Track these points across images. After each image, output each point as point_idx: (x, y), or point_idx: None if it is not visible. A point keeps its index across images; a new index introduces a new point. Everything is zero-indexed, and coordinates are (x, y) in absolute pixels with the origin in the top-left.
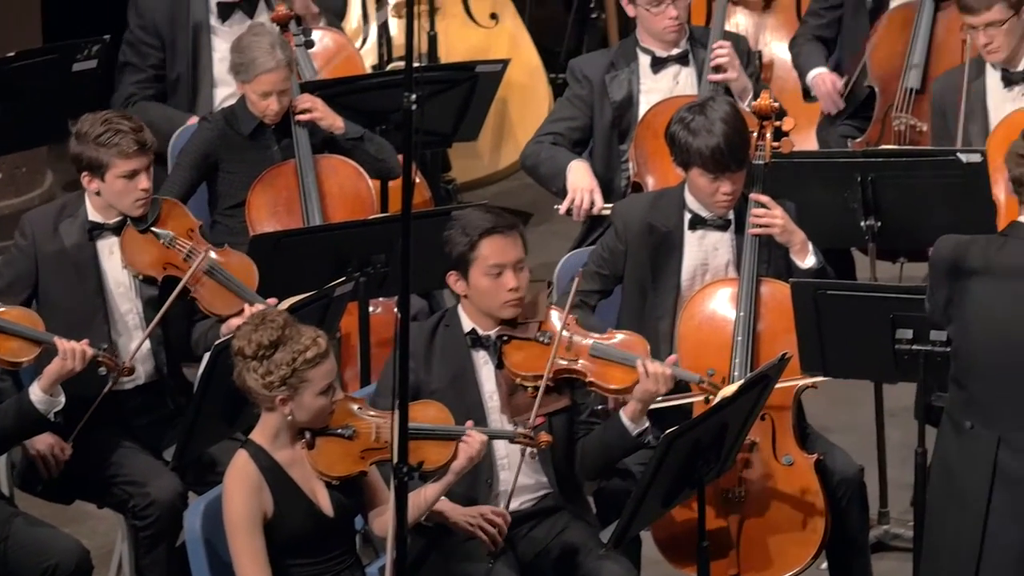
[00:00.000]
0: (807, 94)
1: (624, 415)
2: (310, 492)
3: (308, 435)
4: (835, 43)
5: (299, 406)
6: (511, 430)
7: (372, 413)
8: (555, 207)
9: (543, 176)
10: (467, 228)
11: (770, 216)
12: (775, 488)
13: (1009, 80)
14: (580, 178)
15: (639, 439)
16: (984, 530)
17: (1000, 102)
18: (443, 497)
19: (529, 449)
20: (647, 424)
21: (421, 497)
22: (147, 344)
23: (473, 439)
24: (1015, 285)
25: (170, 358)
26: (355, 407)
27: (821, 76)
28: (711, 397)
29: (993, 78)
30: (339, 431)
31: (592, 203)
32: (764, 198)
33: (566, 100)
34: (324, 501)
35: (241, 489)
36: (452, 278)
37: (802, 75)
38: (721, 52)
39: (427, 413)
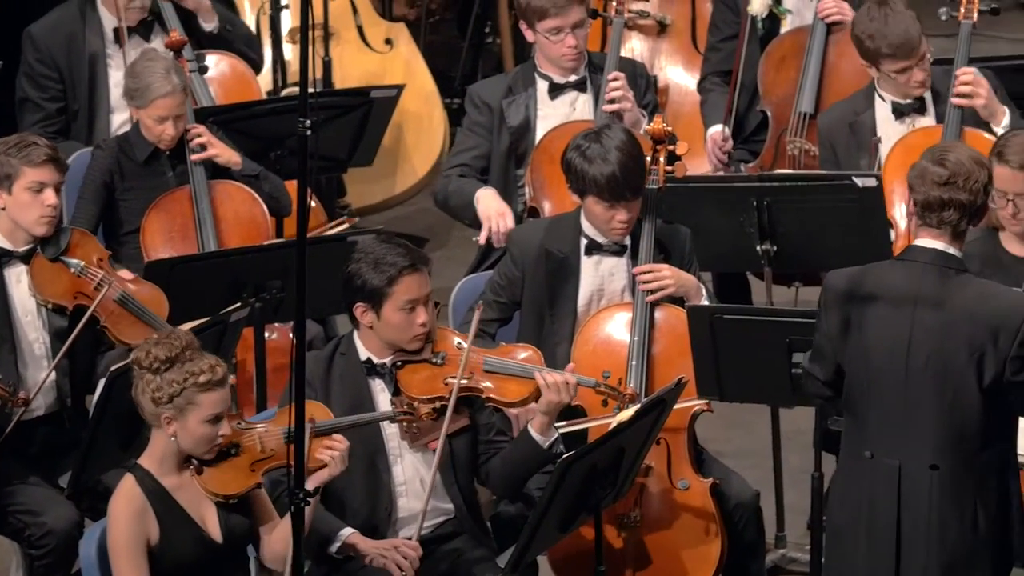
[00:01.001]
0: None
1: (532, 429)
2: (198, 517)
3: (195, 461)
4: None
5: (183, 429)
6: (391, 411)
7: (258, 426)
8: (473, 239)
9: (454, 209)
10: (382, 264)
11: (659, 279)
12: (671, 512)
13: (900, 112)
14: (489, 204)
15: (550, 451)
16: (898, 559)
17: (891, 134)
18: (354, 530)
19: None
20: (556, 435)
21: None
22: (52, 374)
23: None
24: (912, 310)
25: (74, 389)
26: (235, 424)
27: (712, 136)
28: (610, 401)
29: (883, 110)
30: (224, 451)
31: (508, 224)
32: (644, 267)
33: (467, 129)
34: (213, 527)
35: (124, 513)
36: (360, 310)
37: (705, 125)
38: (615, 85)
39: (314, 414)
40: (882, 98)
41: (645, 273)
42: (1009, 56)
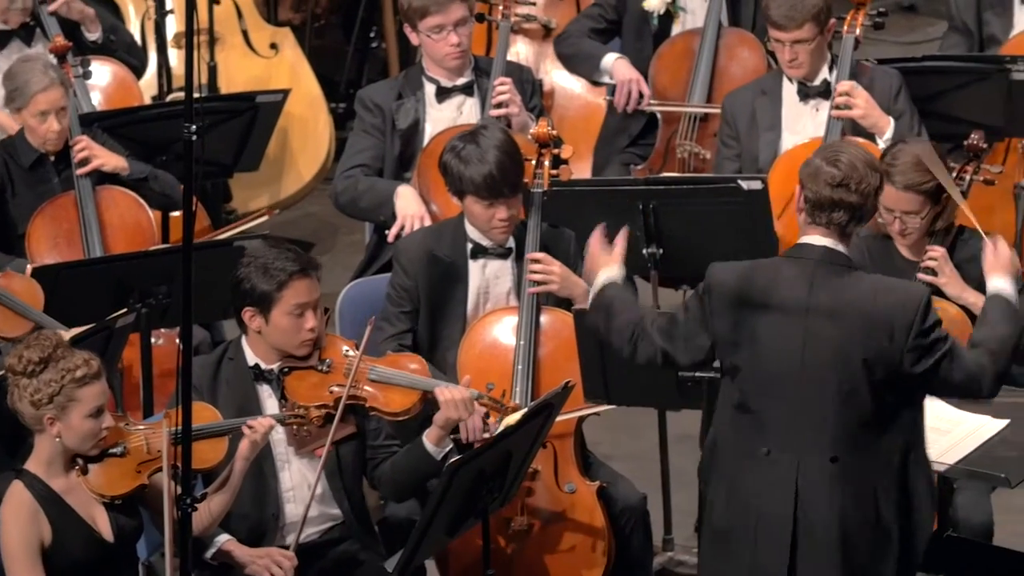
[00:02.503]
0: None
1: (427, 440)
2: (88, 518)
3: (81, 461)
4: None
5: (68, 428)
6: (281, 414)
7: (140, 427)
8: (385, 232)
9: (365, 208)
10: (272, 269)
11: (546, 272)
12: (558, 516)
13: (805, 93)
14: (409, 204)
15: (442, 462)
16: (793, 555)
17: (795, 114)
18: (230, 537)
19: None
20: (450, 446)
21: (206, 509)
22: None
23: (258, 423)
24: (806, 306)
25: None
26: (121, 424)
27: (624, 62)
28: (492, 413)
29: (789, 90)
30: (110, 451)
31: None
32: (540, 255)
33: (360, 132)
34: (104, 526)
35: (17, 518)
36: (248, 314)
37: (592, 60)
38: (502, 89)
39: (202, 415)
40: (790, 80)
41: (536, 263)
42: (910, 58)
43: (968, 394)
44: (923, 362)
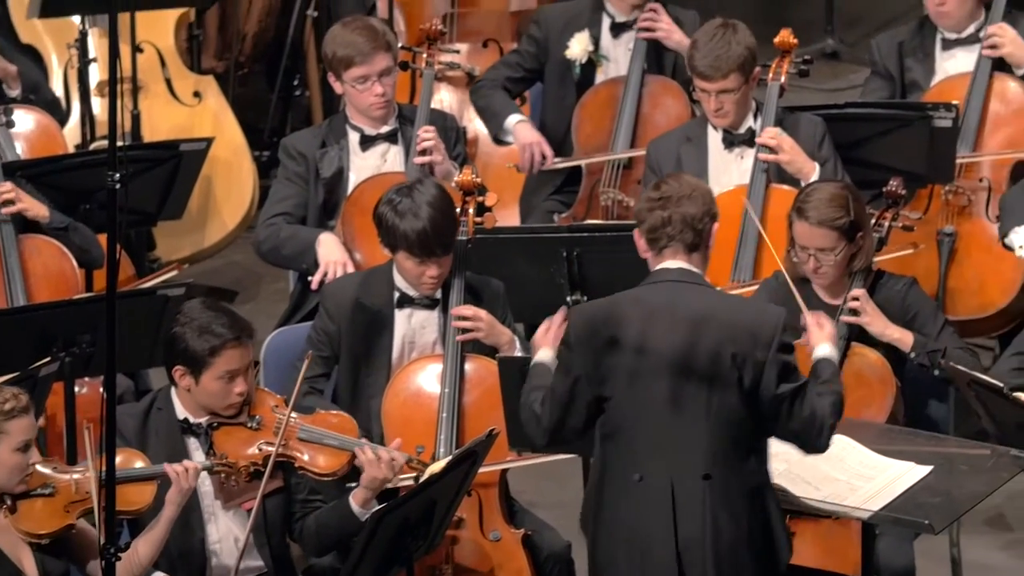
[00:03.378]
0: (497, 140)
1: (353, 501)
2: (15, 559)
3: (9, 500)
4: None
5: None
6: (210, 462)
7: (75, 469)
8: (308, 279)
9: (287, 256)
10: (207, 333)
11: (474, 319)
12: (483, 564)
13: (730, 141)
14: (332, 251)
15: (366, 522)
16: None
17: (720, 162)
18: None
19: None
20: (375, 507)
21: (134, 556)
22: None
23: (185, 469)
24: (669, 328)
25: None
26: (50, 468)
27: (526, 125)
28: (420, 476)
29: (714, 138)
30: (39, 490)
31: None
32: (465, 309)
33: (283, 179)
34: (30, 568)
35: None
36: (178, 372)
37: (498, 119)
38: (427, 136)
39: (132, 461)
40: (714, 127)
41: (463, 314)
42: (833, 105)
43: (807, 437)
44: (781, 384)
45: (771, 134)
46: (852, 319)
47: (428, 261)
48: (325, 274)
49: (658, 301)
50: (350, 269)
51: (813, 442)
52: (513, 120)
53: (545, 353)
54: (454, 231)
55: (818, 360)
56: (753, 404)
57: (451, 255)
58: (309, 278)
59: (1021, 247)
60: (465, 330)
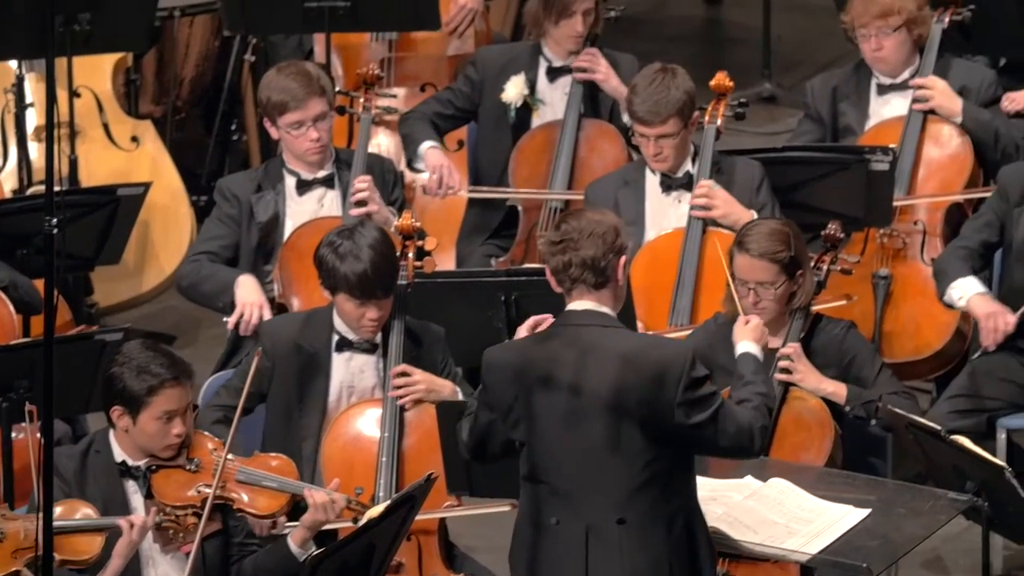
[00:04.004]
0: (411, 166)
1: (292, 541)
2: None
3: None
4: (439, 133)
5: None
6: (159, 518)
7: (17, 516)
8: (224, 319)
9: (205, 293)
10: (145, 373)
11: (410, 387)
12: None
13: (668, 185)
14: (249, 293)
15: (304, 563)
16: None
17: (658, 206)
18: None
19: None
20: (313, 548)
21: None
22: None
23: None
24: (579, 370)
25: None
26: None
27: (437, 151)
28: (359, 518)
29: (652, 182)
30: None
31: (261, 318)
32: (402, 368)
33: (215, 220)
34: None
35: None
36: (116, 413)
37: (413, 146)
38: (361, 187)
39: (79, 510)
40: (652, 171)
41: (399, 377)
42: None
43: (740, 451)
44: (695, 415)
45: (702, 191)
46: (784, 377)
47: (368, 303)
48: (241, 315)
49: (564, 344)
50: (267, 312)
51: (747, 453)
52: (426, 146)
53: None
54: (395, 274)
55: (739, 356)
56: (669, 442)
57: (392, 298)
58: (225, 319)
59: (960, 298)
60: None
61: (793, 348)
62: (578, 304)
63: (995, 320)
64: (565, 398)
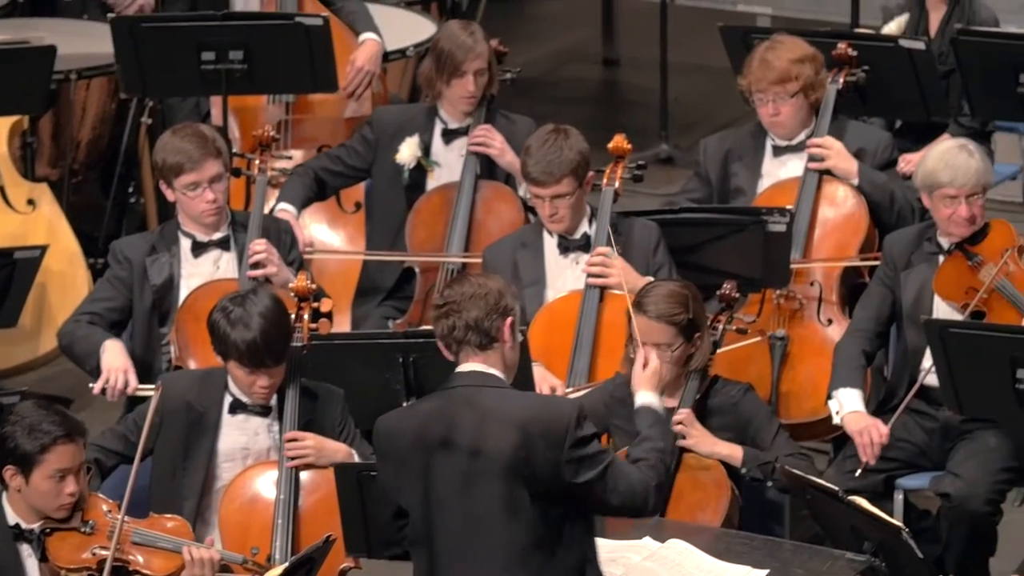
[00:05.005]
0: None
1: None
2: None
3: None
4: (325, 189)
5: None
6: None
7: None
8: (89, 385)
9: (78, 355)
10: (37, 430)
11: (300, 452)
12: None
13: (566, 247)
14: (114, 358)
15: None
16: None
17: (556, 268)
18: None
19: None
20: None
21: None
22: None
23: None
24: (462, 431)
25: None
26: None
27: (287, 212)
28: (257, 572)
29: (550, 244)
30: None
31: (127, 383)
32: (294, 434)
33: (106, 281)
34: None
35: None
36: (9, 472)
37: (278, 201)
38: (257, 250)
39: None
40: (550, 233)
41: (290, 441)
42: (667, 209)
43: (632, 510)
44: (583, 473)
45: (595, 261)
46: (679, 443)
47: (258, 372)
48: (107, 380)
49: (452, 407)
50: (132, 378)
51: (640, 512)
52: (279, 207)
53: None
54: (286, 343)
55: (637, 409)
56: (559, 502)
57: (283, 366)
58: (90, 385)
59: (837, 412)
60: (295, 457)
61: (685, 414)
62: (465, 366)
63: (868, 434)
64: (450, 462)
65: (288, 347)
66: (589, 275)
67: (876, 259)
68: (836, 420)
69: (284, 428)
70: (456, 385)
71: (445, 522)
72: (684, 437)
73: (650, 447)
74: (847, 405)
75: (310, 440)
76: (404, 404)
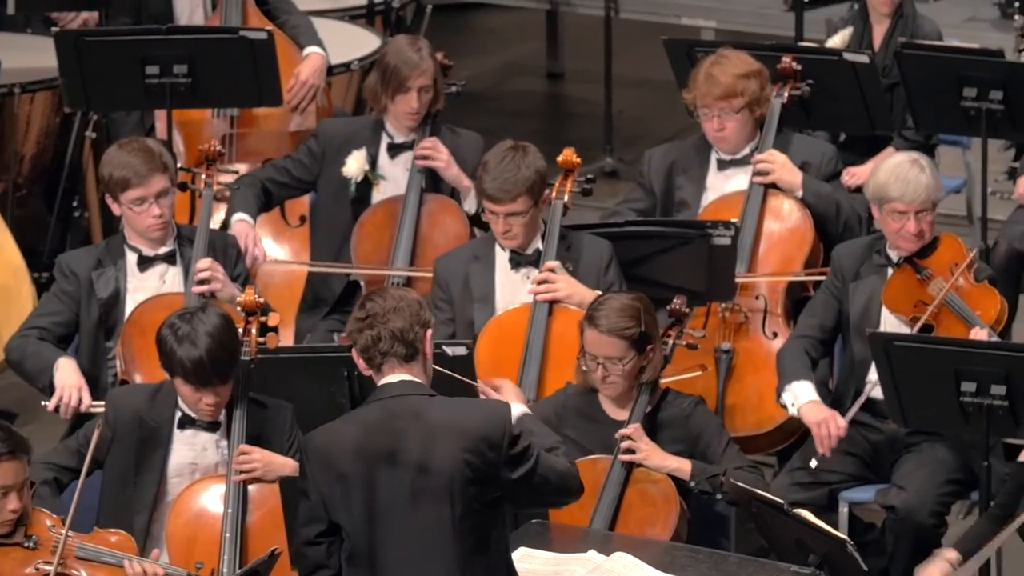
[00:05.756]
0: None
1: None
2: None
3: None
4: (271, 200)
5: None
6: None
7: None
8: (42, 403)
9: (29, 372)
10: None
11: (249, 464)
12: None
13: (517, 262)
14: (68, 376)
15: None
16: None
17: (507, 283)
18: None
19: None
20: None
21: None
22: None
23: None
24: (399, 439)
25: None
26: None
27: (245, 223)
28: None
29: (501, 258)
30: None
31: (80, 400)
32: (244, 448)
33: (52, 295)
34: None
35: None
36: None
37: (229, 213)
38: (202, 267)
39: None
40: (502, 247)
41: (239, 456)
42: (613, 223)
43: (566, 494)
44: (519, 468)
45: (542, 277)
46: (628, 457)
47: (205, 390)
48: (60, 398)
49: (395, 419)
50: (85, 395)
51: (573, 495)
52: (235, 217)
53: None
54: (232, 362)
55: (517, 419)
56: (496, 504)
57: (229, 384)
58: (44, 403)
59: (792, 404)
60: (244, 471)
61: (634, 428)
62: (391, 377)
63: (826, 426)
64: (390, 471)
65: (235, 366)
66: (536, 292)
67: (823, 274)
68: (792, 412)
69: (233, 443)
70: (392, 395)
71: (389, 537)
72: (634, 452)
73: (555, 439)
74: (802, 396)
75: (257, 455)
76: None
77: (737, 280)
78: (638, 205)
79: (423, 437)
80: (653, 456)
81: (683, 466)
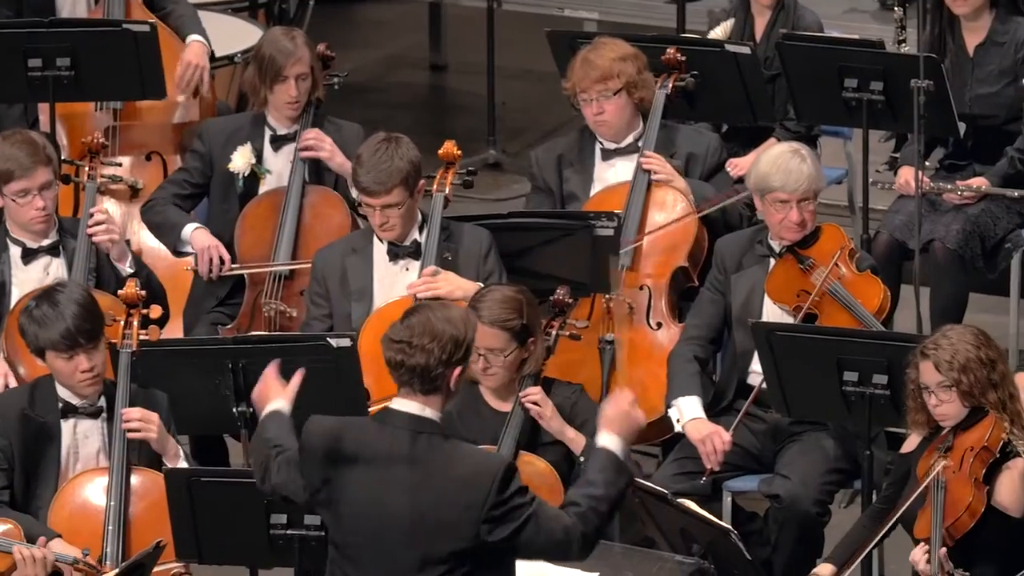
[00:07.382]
0: (176, 252)
1: None
2: None
3: None
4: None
5: None
6: None
7: None
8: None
9: None
10: None
11: (144, 424)
12: None
13: (395, 254)
14: None
15: None
16: None
17: (385, 275)
18: None
19: None
20: None
21: None
22: None
23: None
24: (386, 472)
25: None
26: None
27: (202, 231)
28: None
29: (379, 250)
30: None
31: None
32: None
33: None
34: None
35: None
36: None
37: (175, 230)
38: (101, 218)
39: None
40: (380, 239)
41: (133, 416)
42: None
43: (558, 557)
44: (500, 531)
45: (418, 283)
46: (534, 412)
47: (76, 354)
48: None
49: (380, 446)
50: (12, 381)
51: (563, 560)
52: (190, 228)
53: (279, 403)
54: (97, 322)
55: (595, 450)
56: (471, 554)
57: (101, 350)
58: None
59: (678, 421)
60: (136, 430)
61: (535, 390)
62: (401, 403)
63: (711, 442)
64: (370, 497)
65: (99, 326)
66: (416, 288)
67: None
68: (678, 428)
69: (115, 428)
70: (388, 423)
71: (355, 554)
72: (538, 408)
73: (586, 493)
74: (687, 412)
75: (154, 418)
76: (234, 410)
77: (623, 251)
78: (544, 207)
79: (415, 491)
80: (555, 420)
81: (578, 439)
